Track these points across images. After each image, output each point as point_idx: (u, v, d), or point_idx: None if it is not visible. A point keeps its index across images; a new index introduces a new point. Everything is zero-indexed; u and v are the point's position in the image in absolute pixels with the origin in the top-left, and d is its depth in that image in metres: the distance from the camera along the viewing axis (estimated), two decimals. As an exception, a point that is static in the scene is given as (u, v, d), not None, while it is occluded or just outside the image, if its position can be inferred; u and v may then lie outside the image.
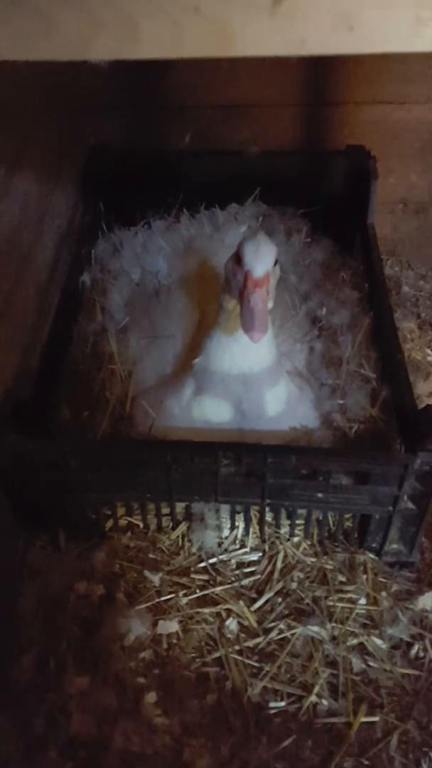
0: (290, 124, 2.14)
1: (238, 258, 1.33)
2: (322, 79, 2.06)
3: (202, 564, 1.52)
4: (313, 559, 1.52)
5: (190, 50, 0.56)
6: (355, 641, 1.41)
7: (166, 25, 0.55)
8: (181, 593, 1.47)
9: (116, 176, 2.08)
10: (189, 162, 2.11)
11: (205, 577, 1.50)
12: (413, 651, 1.41)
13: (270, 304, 1.41)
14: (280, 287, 1.90)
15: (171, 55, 0.57)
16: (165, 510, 1.53)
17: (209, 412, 1.51)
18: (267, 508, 1.50)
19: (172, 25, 0.55)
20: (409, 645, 1.42)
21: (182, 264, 1.97)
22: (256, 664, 1.39)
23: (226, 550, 1.54)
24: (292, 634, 1.41)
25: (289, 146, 2.16)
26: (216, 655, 1.40)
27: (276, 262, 1.34)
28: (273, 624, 1.43)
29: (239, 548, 1.55)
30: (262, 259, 1.29)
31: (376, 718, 1.32)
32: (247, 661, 1.39)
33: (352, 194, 2.04)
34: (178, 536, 1.55)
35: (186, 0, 0.54)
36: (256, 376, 1.47)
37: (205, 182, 2.10)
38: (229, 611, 1.45)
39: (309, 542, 1.54)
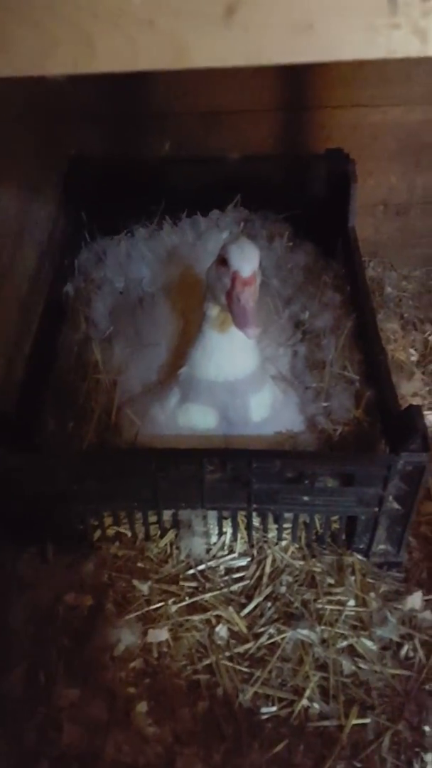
0: (269, 130, 2.15)
1: (222, 261, 1.34)
2: (299, 84, 2.08)
3: (191, 571, 1.52)
4: (302, 563, 1.52)
5: (146, 63, 0.57)
6: (344, 643, 1.41)
7: (121, 40, 0.56)
8: (170, 601, 1.46)
9: (97, 186, 2.08)
10: (170, 169, 2.12)
11: (194, 584, 1.50)
12: (403, 651, 1.41)
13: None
14: (263, 292, 1.92)
15: (127, 69, 0.57)
16: (152, 518, 1.53)
17: (195, 419, 1.51)
18: (254, 513, 1.50)
19: (127, 40, 0.56)
20: (399, 645, 1.42)
21: (165, 272, 1.98)
22: (246, 670, 1.38)
23: (214, 556, 1.54)
24: (282, 639, 1.41)
25: (268, 151, 2.17)
26: (207, 662, 1.40)
27: (259, 264, 1.36)
28: (263, 629, 1.43)
29: (228, 554, 1.55)
30: (249, 260, 1.32)
31: (367, 720, 1.32)
32: (237, 667, 1.39)
33: (333, 198, 2.05)
34: (166, 544, 1.55)
35: (140, 14, 0.54)
36: (240, 383, 1.47)
37: (187, 189, 2.10)
38: (218, 617, 1.45)
39: (297, 545, 1.55)
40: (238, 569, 1.53)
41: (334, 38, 0.56)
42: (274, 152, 2.17)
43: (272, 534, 1.55)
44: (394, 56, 0.55)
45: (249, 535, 1.54)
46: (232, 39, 0.55)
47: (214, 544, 1.55)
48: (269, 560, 1.52)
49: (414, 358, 2.02)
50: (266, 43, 0.55)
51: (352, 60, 0.56)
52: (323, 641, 1.41)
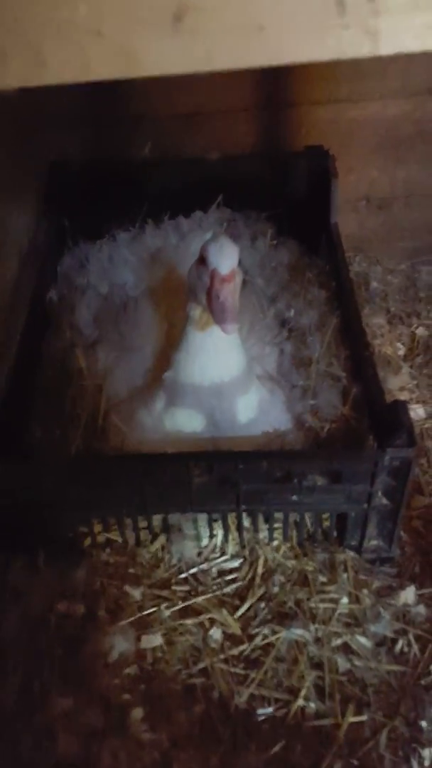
0: (248, 128, 2.14)
1: (202, 260, 1.34)
2: (276, 81, 2.08)
3: (183, 575, 1.51)
4: (294, 562, 1.52)
5: (97, 73, 0.56)
6: (339, 641, 1.41)
7: (71, 50, 0.55)
8: (163, 606, 1.46)
9: (78, 190, 2.07)
10: (150, 172, 2.11)
11: (187, 587, 1.50)
12: (397, 647, 1.41)
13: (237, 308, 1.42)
14: (247, 291, 1.92)
15: (79, 79, 0.57)
16: (142, 523, 1.53)
17: (181, 423, 1.51)
18: (244, 514, 1.50)
19: (77, 50, 0.55)
20: (393, 641, 1.42)
21: (149, 275, 1.97)
22: (242, 672, 1.38)
23: (206, 559, 1.54)
24: (277, 639, 1.41)
25: (248, 151, 2.17)
26: (201, 665, 1.39)
27: (240, 263, 1.36)
28: (257, 630, 1.43)
29: (219, 556, 1.54)
30: (227, 257, 1.32)
31: (364, 717, 1.32)
32: (232, 669, 1.39)
33: (315, 194, 2.05)
34: (157, 549, 1.55)
35: (88, 24, 0.54)
36: (227, 386, 1.47)
37: (168, 191, 2.10)
38: (212, 620, 1.45)
39: (288, 545, 1.54)
40: (230, 571, 1.52)
41: (285, 41, 0.56)
42: (255, 151, 2.17)
43: (263, 534, 1.54)
44: (345, 57, 0.55)
45: (240, 537, 1.54)
46: (181, 45, 0.55)
47: (205, 546, 1.55)
48: (261, 561, 1.52)
49: (401, 353, 2.02)
50: (216, 49, 0.55)
51: (303, 62, 0.56)
52: (317, 640, 1.41)
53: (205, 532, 1.54)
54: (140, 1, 0.53)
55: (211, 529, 1.53)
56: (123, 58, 0.55)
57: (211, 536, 1.55)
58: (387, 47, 0.55)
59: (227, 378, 1.47)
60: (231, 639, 1.43)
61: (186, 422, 1.51)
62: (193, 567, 1.52)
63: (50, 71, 0.56)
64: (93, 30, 0.54)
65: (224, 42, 0.55)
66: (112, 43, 0.55)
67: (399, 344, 2.04)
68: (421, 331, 2.09)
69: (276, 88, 2.06)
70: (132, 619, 1.44)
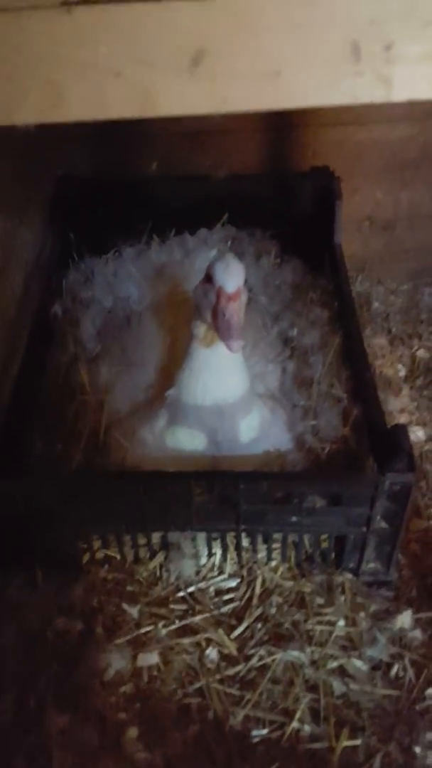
0: (255, 148, 2.16)
1: (208, 278, 1.35)
2: (284, 102, 2.09)
3: (181, 593, 1.51)
4: (291, 583, 1.52)
5: (114, 112, 0.58)
6: (335, 664, 1.41)
7: (90, 90, 0.57)
8: (160, 624, 1.46)
9: (85, 206, 2.09)
10: (157, 188, 2.13)
11: (184, 606, 1.50)
12: (393, 671, 1.41)
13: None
14: (251, 308, 1.93)
15: (97, 117, 0.58)
16: (142, 541, 1.53)
17: (183, 441, 1.51)
18: (243, 534, 1.50)
19: (96, 90, 0.57)
20: (389, 665, 1.42)
21: (153, 290, 1.98)
22: (237, 693, 1.38)
23: (204, 577, 1.54)
24: (273, 660, 1.41)
25: (255, 170, 2.18)
26: (197, 685, 1.39)
27: (245, 282, 1.37)
28: (253, 651, 1.43)
29: (217, 575, 1.54)
30: (233, 275, 1.33)
31: (358, 742, 1.32)
32: (228, 690, 1.38)
33: (319, 214, 2.06)
34: (155, 566, 1.55)
35: (108, 66, 0.55)
36: (229, 406, 1.47)
37: (174, 208, 2.12)
38: (209, 640, 1.45)
39: (286, 566, 1.55)
40: (228, 590, 1.53)
41: (300, 86, 0.57)
42: (261, 170, 2.18)
43: (262, 554, 1.55)
44: (358, 102, 0.56)
45: (238, 556, 1.54)
46: (198, 88, 0.56)
47: (204, 565, 1.55)
48: (259, 581, 1.52)
49: (402, 374, 2.03)
50: (232, 91, 0.56)
51: (317, 106, 0.57)
52: (313, 662, 1.41)
53: (203, 550, 1.54)
54: (159, 44, 0.54)
55: (210, 547, 1.53)
56: (140, 99, 0.57)
57: (210, 555, 1.55)
58: (399, 94, 0.57)
59: (230, 398, 1.47)
60: (227, 659, 1.43)
61: (187, 441, 1.51)
62: (190, 585, 1.52)
63: (68, 109, 0.57)
64: (113, 72, 0.55)
65: (240, 86, 0.56)
66: (130, 83, 0.56)
67: (400, 365, 2.05)
68: (422, 353, 2.10)
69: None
70: (129, 637, 1.44)
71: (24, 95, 0.57)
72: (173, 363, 1.57)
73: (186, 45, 0.54)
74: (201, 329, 1.42)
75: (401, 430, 1.39)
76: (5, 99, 0.57)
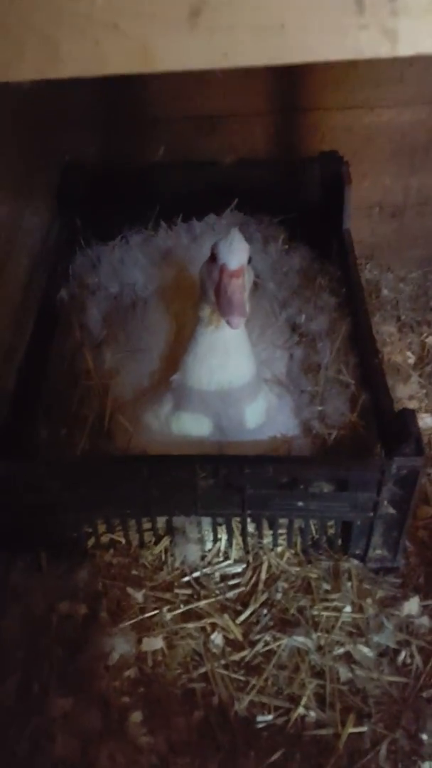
0: (263, 133, 2.14)
1: (213, 257, 1.34)
2: (292, 86, 2.07)
3: (186, 578, 1.50)
4: (297, 569, 1.51)
5: (113, 67, 0.56)
6: (341, 650, 1.40)
7: (87, 45, 0.55)
8: (165, 609, 1.45)
9: (92, 191, 2.08)
10: (164, 174, 2.11)
11: (189, 591, 1.49)
12: (400, 658, 1.40)
13: (247, 308, 1.42)
14: (259, 294, 1.92)
15: (95, 73, 0.57)
16: (147, 525, 1.52)
17: (188, 427, 1.50)
18: (249, 519, 1.49)
19: (93, 44, 0.55)
20: (396, 652, 1.40)
21: (159, 275, 1.97)
22: (242, 678, 1.37)
23: (209, 563, 1.53)
24: (278, 646, 1.40)
25: (262, 155, 2.17)
26: (202, 670, 1.38)
27: (249, 260, 1.36)
28: (258, 636, 1.42)
29: (223, 560, 1.53)
30: (236, 253, 1.32)
31: (364, 728, 1.30)
32: (233, 675, 1.37)
33: (328, 200, 2.04)
34: (160, 551, 1.54)
35: (104, 18, 0.54)
36: (235, 392, 1.46)
37: (182, 194, 2.10)
38: (214, 625, 1.44)
39: (292, 551, 1.53)
40: (234, 576, 1.52)
41: (303, 39, 0.55)
42: (269, 156, 2.17)
43: (267, 540, 1.53)
44: (363, 56, 0.54)
45: (244, 542, 1.53)
46: (198, 42, 0.54)
47: (209, 550, 1.54)
48: (265, 566, 1.51)
49: (411, 361, 2.01)
50: (233, 46, 0.55)
51: (321, 61, 0.55)
52: (319, 648, 1.40)
53: (209, 535, 1.53)
54: (157, -6, 0.52)
55: (215, 533, 1.52)
56: (139, 53, 0.55)
57: (215, 540, 1.54)
58: (405, 48, 0.55)
59: (236, 383, 1.45)
60: (232, 644, 1.42)
61: (193, 426, 1.50)
62: (196, 571, 1.51)
63: (66, 65, 0.56)
64: (109, 24, 0.54)
65: (242, 39, 0.55)
66: (128, 37, 0.54)
67: (409, 353, 2.03)
68: (431, 340, 2.08)
69: (292, 93, 2.06)
70: (133, 621, 1.44)
71: (20, 51, 0.55)
72: (179, 349, 1.56)
73: (184, -5, 0.52)
74: (206, 311, 1.41)
75: (409, 414, 1.38)
76: (0, 55, 0.55)
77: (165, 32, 0.54)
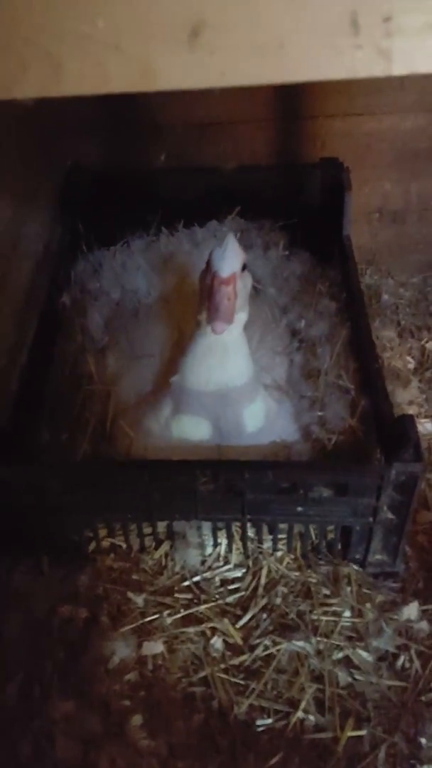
0: (264, 140, 2.15)
1: (208, 263, 1.36)
2: (293, 93, 2.09)
3: (186, 583, 1.51)
4: (297, 573, 1.52)
5: (115, 86, 0.57)
6: (340, 654, 1.40)
7: (89, 64, 0.56)
8: (165, 613, 1.46)
9: (94, 196, 2.09)
10: (166, 180, 2.13)
11: (189, 595, 1.50)
12: (399, 662, 1.40)
13: (244, 316, 1.43)
14: (260, 300, 1.93)
15: (97, 91, 0.58)
16: (147, 530, 1.53)
17: (188, 430, 1.51)
18: (248, 524, 1.50)
19: (95, 63, 0.56)
20: (395, 656, 1.41)
21: (161, 282, 1.98)
22: (242, 682, 1.38)
23: (209, 567, 1.54)
24: (278, 650, 1.41)
25: (264, 161, 2.17)
26: (202, 674, 1.39)
27: (244, 268, 1.38)
28: (258, 640, 1.42)
29: (223, 565, 1.54)
30: (228, 261, 1.34)
31: (363, 732, 1.31)
32: (233, 679, 1.38)
33: (328, 206, 2.05)
34: (161, 556, 1.55)
35: (106, 38, 0.55)
36: (232, 393, 1.47)
37: (183, 199, 2.11)
38: (213, 629, 1.45)
39: (292, 556, 1.54)
40: (234, 580, 1.52)
41: (300, 59, 0.56)
42: (270, 162, 2.18)
43: (267, 545, 1.54)
44: (358, 76, 0.55)
45: (244, 546, 1.54)
46: (197, 62, 0.55)
47: (209, 555, 1.55)
48: (264, 571, 1.52)
49: (411, 366, 2.02)
50: (232, 65, 0.56)
51: (317, 80, 0.56)
52: (319, 652, 1.41)
53: (209, 540, 1.54)
54: (157, 16, 0.54)
55: (215, 537, 1.53)
56: (140, 72, 0.56)
57: (215, 545, 1.55)
58: (399, 68, 0.56)
59: (233, 385, 1.47)
60: (232, 649, 1.43)
61: (192, 430, 1.51)
62: (196, 575, 1.52)
63: (68, 83, 0.57)
64: (111, 44, 0.55)
65: (240, 59, 0.56)
66: (129, 57, 0.56)
67: (409, 358, 2.04)
68: (431, 345, 2.09)
69: (292, 100, 2.07)
70: (134, 625, 1.45)
71: (23, 70, 0.57)
72: (180, 354, 1.57)
73: (185, 16, 0.53)
74: (204, 315, 1.42)
75: (409, 420, 1.39)
76: (4, 72, 0.57)
77: (165, 52, 0.55)
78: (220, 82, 0.56)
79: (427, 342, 2.09)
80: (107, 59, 0.56)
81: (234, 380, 1.47)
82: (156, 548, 1.55)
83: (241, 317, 1.43)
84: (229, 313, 1.32)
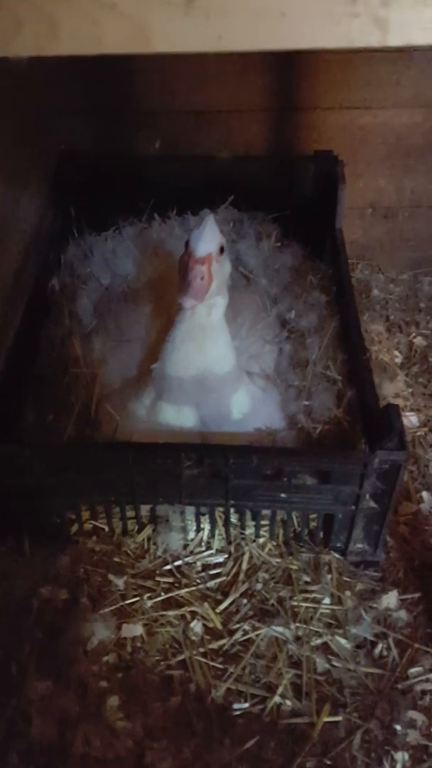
0: (259, 130, 2.15)
1: (186, 245, 1.37)
2: (290, 84, 2.09)
3: (167, 567, 1.51)
4: (279, 560, 1.52)
5: (109, 47, 0.57)
6: (319, 641, 1.41)
7: (85, 23, 0.56)
8: (145, 596, 1.46)
9: (87, 182, 2.08)
10: (159, 167, 2.12)
11: (170, 579, 1.50)
12: (377, 650, 1.41)
13: (222, 301, 1.43)
14: (251, 290, 1.93)
15: (92, 52, 0.58)
16: (130, 513, 1.53)
17: (170, 417, 1.51)
18: (232, 510, 1.50)
19: (91, 23, 0.56)
20: (373, 644, 1.42)
21: (151, 267, 1.98)
22: (220, 666, 1.38)
23: (191, 552, 1.54)
24: (257, 635, 1.41)
25: (258, 152, 2.18)
26: (180, 657, 1.39)
27: (222, 251, 1.39)
28: (238, 625, 1.43)
29: (205, 550, 1.54)
30: (204, 241, 1.34)
31: (339, 718, 1.32)
32: (211, 663, 1.39)
33: (321, 199, 2.06)
34: (143, 539, 1.55)
35: (102, -3, 0.55)
36: (214, 380, 1.47)
37: (176, 188, 2.11)
38: (194, 613, 1.45)
39: (274, 543, 1.55)
40: (215, 565, 1.53)
41: (296, 26, 0.56)
42: (264, 152, 2.18)
43: (250, 531, 1.55)
44: (354, 45, 0.55)
45: (227, 532, 1.54)
46: (193, 25, 0.55)
47: (192, 540, 1.55)
48: (246, 557, 1.52)
49: (398, 360, 2.03)
50: (227, 30, 0.56)
51: (314, 48, 0.56)
52: (298, 639, 1.41)
53: (192, 525, 1.54)
54: (155, -24, 0.54)
55: (198, 522, 1.54)
56: (136, 34, 0.56)
57: (198, 530, 1.55)
58: (395, 38, 0.56)
59: (214, 372, 1.47)
60: (211, 633, 1.43)
61: (175, 417, 1.51)
62: (178, 559, 1.52)
63: (63, 42, 0.57)
64: (108, 4, 0.55)
65: (236, 23, 0.56)
66: (125, 17, 0.55)
67: (396, 352, 2.05)
68: (419, 341, 2.10)
69: (289, 91, 2.07)
70: (114, 607, 1.44)
71: (19, 28, 0.56)
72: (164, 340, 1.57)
73: (181, -22, 0.53)
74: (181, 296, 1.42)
75: (393, 409, 1.39)
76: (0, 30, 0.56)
77: (162, 14, 0.55)
78: (217, 46, 0.56)
79: (414, 337, 2.11)
80: (103, 19, 0.56)
81: (215, 366, 1.46)
82: (138, 532, 1.55)
83: (219, 302, 1.43)
84: (201, 291, 1.32)
